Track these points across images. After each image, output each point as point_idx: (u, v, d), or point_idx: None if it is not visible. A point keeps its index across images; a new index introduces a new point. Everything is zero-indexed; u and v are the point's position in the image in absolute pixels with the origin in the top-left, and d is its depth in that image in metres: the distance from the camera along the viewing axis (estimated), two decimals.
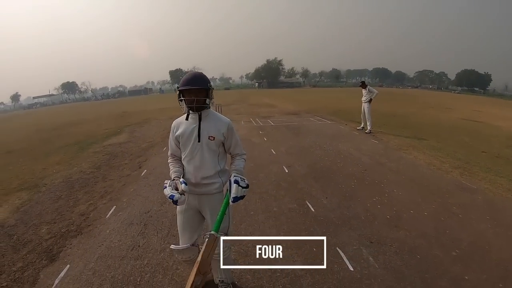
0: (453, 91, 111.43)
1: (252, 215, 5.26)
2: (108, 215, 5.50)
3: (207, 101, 2.95)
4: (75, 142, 13.62)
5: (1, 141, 16.49)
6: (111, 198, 6.39)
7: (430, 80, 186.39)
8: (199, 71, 3.11)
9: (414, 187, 6.56)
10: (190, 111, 2.99)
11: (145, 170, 8.11)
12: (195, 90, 2.85)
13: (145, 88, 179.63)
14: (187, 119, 3.04)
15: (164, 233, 4.79)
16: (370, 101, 13.15)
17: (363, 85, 13.60)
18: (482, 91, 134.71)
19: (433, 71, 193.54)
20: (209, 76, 3.06)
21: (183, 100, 2.95)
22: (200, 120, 3.00)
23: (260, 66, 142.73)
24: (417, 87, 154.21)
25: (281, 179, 6.97)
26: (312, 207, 5.52)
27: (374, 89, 13.32)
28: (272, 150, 9.65)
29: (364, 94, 13.44)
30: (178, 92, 2.92)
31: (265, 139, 11.36)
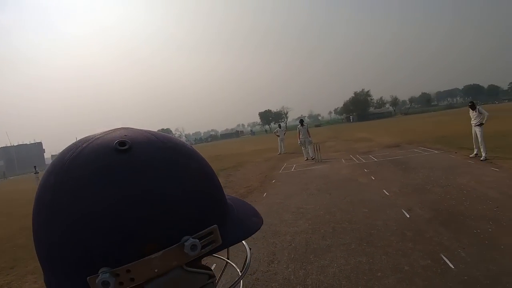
0: None
1: (379, 277, 4.22)
2: None
3: None
4: None
5: None
6: None
7: None
8: None
9: None
10: None
11: None
12: None
13: (236, 131, 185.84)
14: None
15: None
16: (481, 124, 11.62)
17: (473, 106, 12.06)
18: None
19: None
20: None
21: None
22: None
23: (348, 99, 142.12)
24: None
25: (404, 227, 5.85)
26: (450, 262, 4.33)
27: (484, 110, 11.72)
28: (384, 190, 8.49)
29: (474, 117, 11.88)
30: None
31: (373, 178, 10.21)
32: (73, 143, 0.53)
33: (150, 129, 0.58)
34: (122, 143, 0.50)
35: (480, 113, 11.70)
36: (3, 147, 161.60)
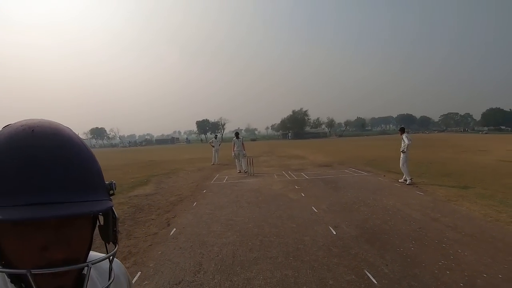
0: (480, 132, 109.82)
1: None
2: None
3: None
4: None
5: None
6: (135, 261, 5.56)
7: (455, 122, 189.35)
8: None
9: (478, 245, 5.71)
10: None
11: (174, 229, 7.26)
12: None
13: (172, 137, 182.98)
14: None
15: None
16: (403, 151, 12.43)
17: (401, 130, 12.94)
18: (510, 129, 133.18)
19: (458, 113, 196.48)
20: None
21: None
22: None
23: (286, 117, 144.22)
24: (443, 130, 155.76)
25: (330, 243, 6.02)
26: (374, 278, 4.54)
27: (406, 139, 12.47)
28: (313, 207, 8.71)
29: (401, 143, 12.70)
30: None
31: (303, 195, 10.42)
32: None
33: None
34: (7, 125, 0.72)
35: (403, 140, 12.39)
36: None
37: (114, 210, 0.80)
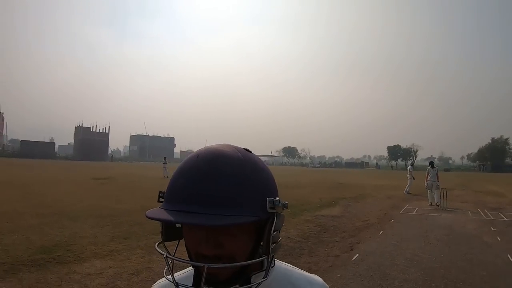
0: None
1: None
2: None
3: (265, 263, 0.83)
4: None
5: None
6: None
7: None
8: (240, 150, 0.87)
9: None
10: None
11: (357, 255, 7.30)
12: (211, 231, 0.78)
13: (361, 161, 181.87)
14: None
15: None
16: None
17: None
18: None
19: None
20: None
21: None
22: None
23: (484, 145, 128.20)
24: None
25: None
26: None
27: None
28: (509, 256, 7.60)
29: None
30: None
31: (499, 239, 9.25)
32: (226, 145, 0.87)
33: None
34: (247, 149, 0.89)
35: None
36: (140, 134, 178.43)
37: (275, 225, 0.79)
